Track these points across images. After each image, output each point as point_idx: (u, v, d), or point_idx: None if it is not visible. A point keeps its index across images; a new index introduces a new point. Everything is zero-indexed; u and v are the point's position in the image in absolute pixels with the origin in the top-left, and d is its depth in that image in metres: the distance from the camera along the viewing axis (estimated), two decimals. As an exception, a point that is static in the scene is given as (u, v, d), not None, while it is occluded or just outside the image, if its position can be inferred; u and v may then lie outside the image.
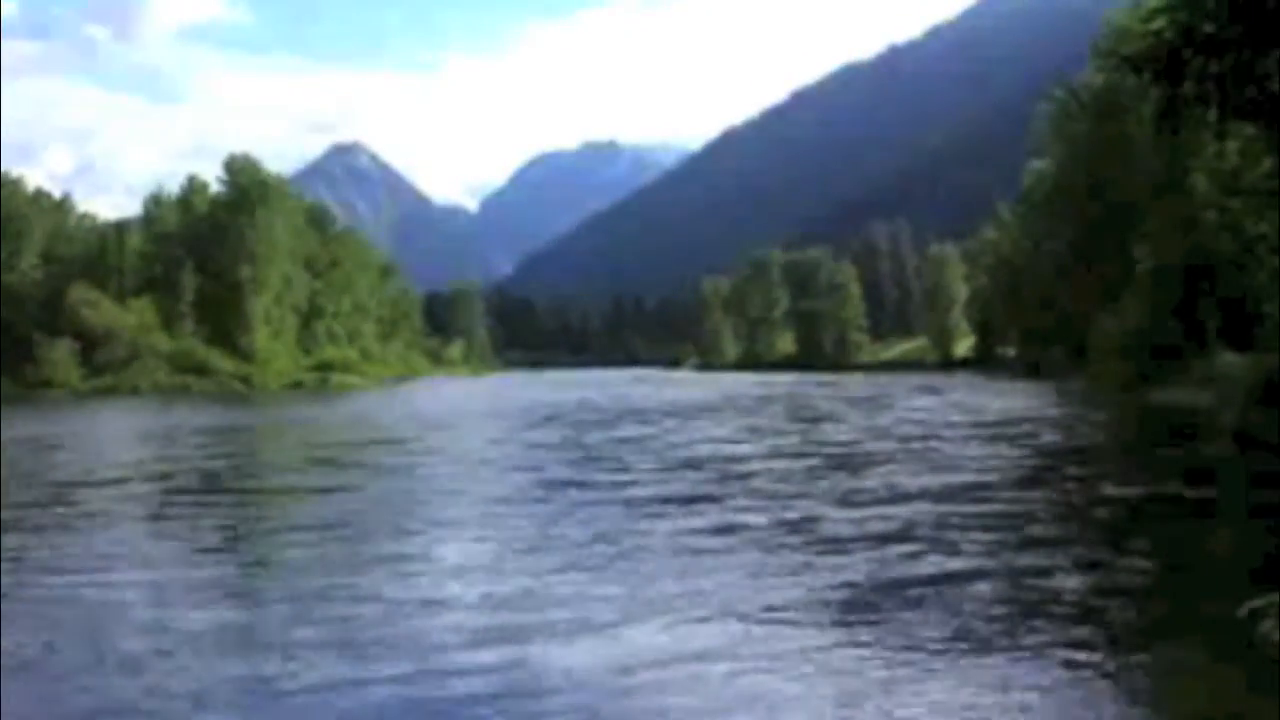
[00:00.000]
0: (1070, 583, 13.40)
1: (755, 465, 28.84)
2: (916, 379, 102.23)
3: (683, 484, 25.24)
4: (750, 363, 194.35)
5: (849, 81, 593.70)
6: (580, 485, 25.60)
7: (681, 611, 12.56)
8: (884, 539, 16.63)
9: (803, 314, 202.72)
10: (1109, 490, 21.75)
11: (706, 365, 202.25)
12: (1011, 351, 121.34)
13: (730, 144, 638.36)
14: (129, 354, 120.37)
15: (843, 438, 36.25)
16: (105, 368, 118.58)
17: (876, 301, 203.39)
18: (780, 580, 14.14)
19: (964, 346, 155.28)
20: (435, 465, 32.38)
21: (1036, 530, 17.25)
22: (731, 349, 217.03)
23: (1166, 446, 32.49)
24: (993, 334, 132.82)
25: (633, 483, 25.33)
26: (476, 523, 20.47)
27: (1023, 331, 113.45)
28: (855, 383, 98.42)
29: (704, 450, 33.47)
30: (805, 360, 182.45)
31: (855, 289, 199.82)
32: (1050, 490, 22.51)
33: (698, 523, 18.93)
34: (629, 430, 43.91)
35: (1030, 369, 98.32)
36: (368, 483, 27.84)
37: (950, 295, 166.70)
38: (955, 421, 42.82)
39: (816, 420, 46.11)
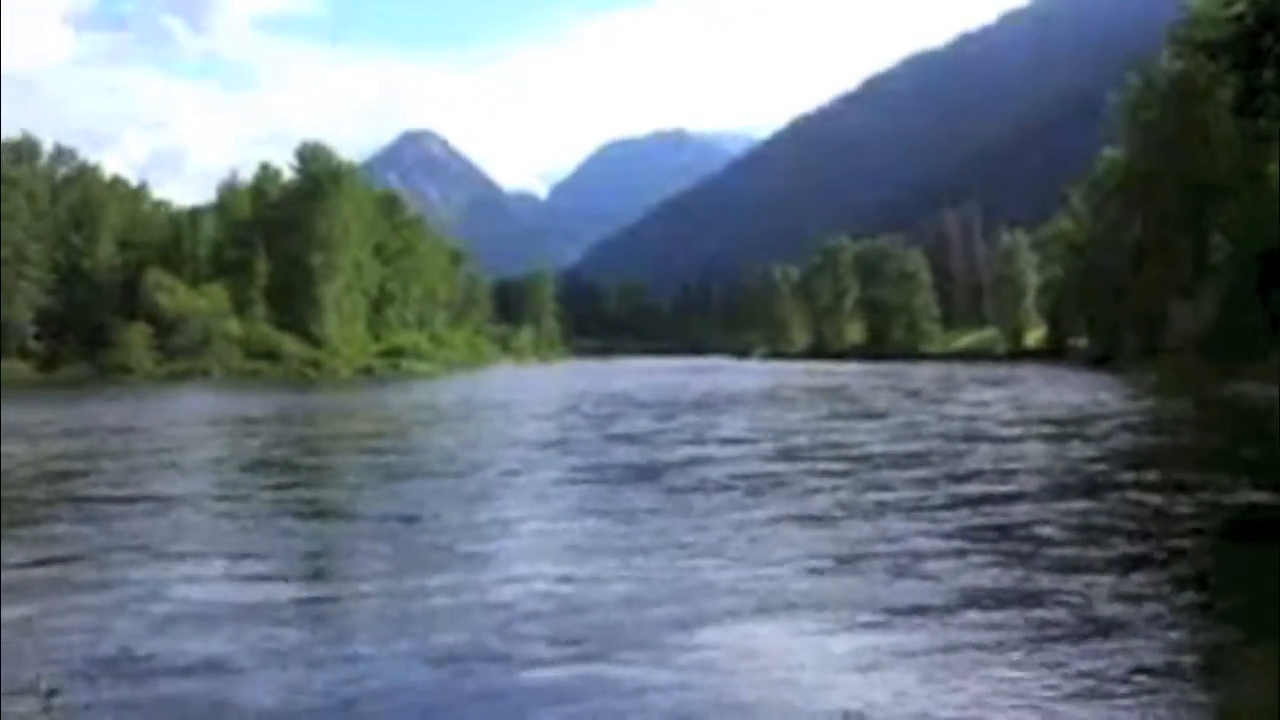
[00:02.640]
0: (1137, 604, 12.46)
1: (795, 467, 28.80)
2: (983, 370, 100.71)
3: (733, 474, 25.21)
4: (819, 352, 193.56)
5: (920, 69, 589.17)
6: (639, 476, 25.78)
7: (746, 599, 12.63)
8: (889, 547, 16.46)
9: (872, 303, 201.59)
10: (1189, 496, 20.01)
11: (775, 354, 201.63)
12: (1083, 342, 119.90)
13: (799, 132, 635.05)
14: (202, 339, 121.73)
15: (888, 434, 35.69)
16: (179, 352, 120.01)
17: (947, 291, 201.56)
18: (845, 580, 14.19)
19: (1035, 337, 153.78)
20: (513, 452, 32.65)
21: (1103, 544, 16.01)
22: (800, 338, 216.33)
23: (1247, 445, 30.63)
24: (1064, 324, 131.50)
25: (664, 469, 25.61)
26: (551, 512, 20.59)
27: (1094, 322, 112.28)
28: (920, 374, 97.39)
29: (769, 446, 33.44)
30: (874, 350, 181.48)
31: (925, 278, 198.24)
32: (1121, 497, 20.73)
33: (758, 514, 19.00)
34: (675, 420, 44.05)
35: (1102, 360, 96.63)
36: (442, 470, 28.00)
37: (1021, 285, 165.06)
38: (1015, 419, 41.49)
39: (875, 415, 45.55)
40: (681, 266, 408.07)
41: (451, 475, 26.59)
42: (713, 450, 31.11)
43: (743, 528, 17.35)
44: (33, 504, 22.30)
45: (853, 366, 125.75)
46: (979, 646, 10.72)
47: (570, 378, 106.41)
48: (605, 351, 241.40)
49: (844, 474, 24.69)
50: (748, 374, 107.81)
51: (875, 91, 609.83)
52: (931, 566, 14.38)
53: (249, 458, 32.81)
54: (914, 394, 62.29)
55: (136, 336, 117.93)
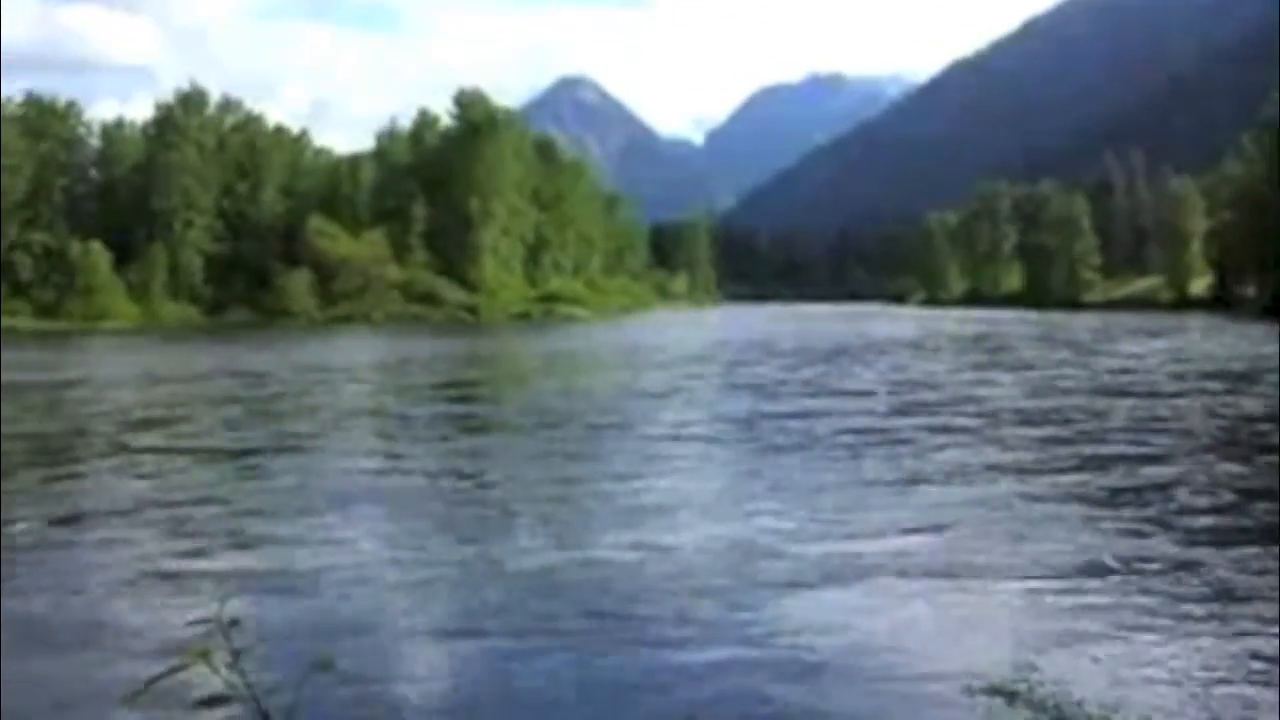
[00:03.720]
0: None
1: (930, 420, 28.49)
2: (1145, 320, 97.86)
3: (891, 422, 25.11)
4: (976, 299, 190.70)
5: (1082, 9, 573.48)
6: (760, 429, 25.79)
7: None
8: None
9: (1031, 249, 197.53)
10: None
11: (931, 301, 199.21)
12: (1251, 291, 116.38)
13: (958, 76, 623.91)
14: (362, 284, 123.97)
15: (1029, 387, 34.84)
16: (339, 297, 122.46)
17: (1109, 237, 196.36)
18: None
19: (1200, 285, 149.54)
20: (640, 403, 32.84)
21: (1253, 514, 15.27)
22: (957, 284, 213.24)
23: None
24: (1232, 272, 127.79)
25: (785, 419, 25.52)
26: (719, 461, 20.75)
27: (1265, 269, 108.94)
28: (1077, 323, 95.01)
29: (897, 399, 33.17)
30: (1033, 298, 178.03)
31: (1086, 224, 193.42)
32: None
33: (876, 472, 18.95)
34: (811, 369, 43.88)
35: (1271, 310, 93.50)
36: (606, 416, 28.36)
37: (1187, 231, 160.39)
38: (1172, 372, 39.88)
39: (1020, 367, 44.54)
40: (838, 212, 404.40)
41: (551, 426, 26.79)
42: (841, 403, 30.68)
43: (852, 487, 17.17)
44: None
45: (1008, 314, 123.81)
46: (1109, 616, 10.49)
47: (722, 324, 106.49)
48: (759, 297, 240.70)
49: (971, 430, 24.29)
50: (899, 321, 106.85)
51: (1036, 34, 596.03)
52: (1054, 531, 14.03)
53: (415, 401, 33.50)
54: (1068, 344, 60.95)
55: (299, 282, 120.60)
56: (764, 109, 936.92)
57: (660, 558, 12.82)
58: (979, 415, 27.26)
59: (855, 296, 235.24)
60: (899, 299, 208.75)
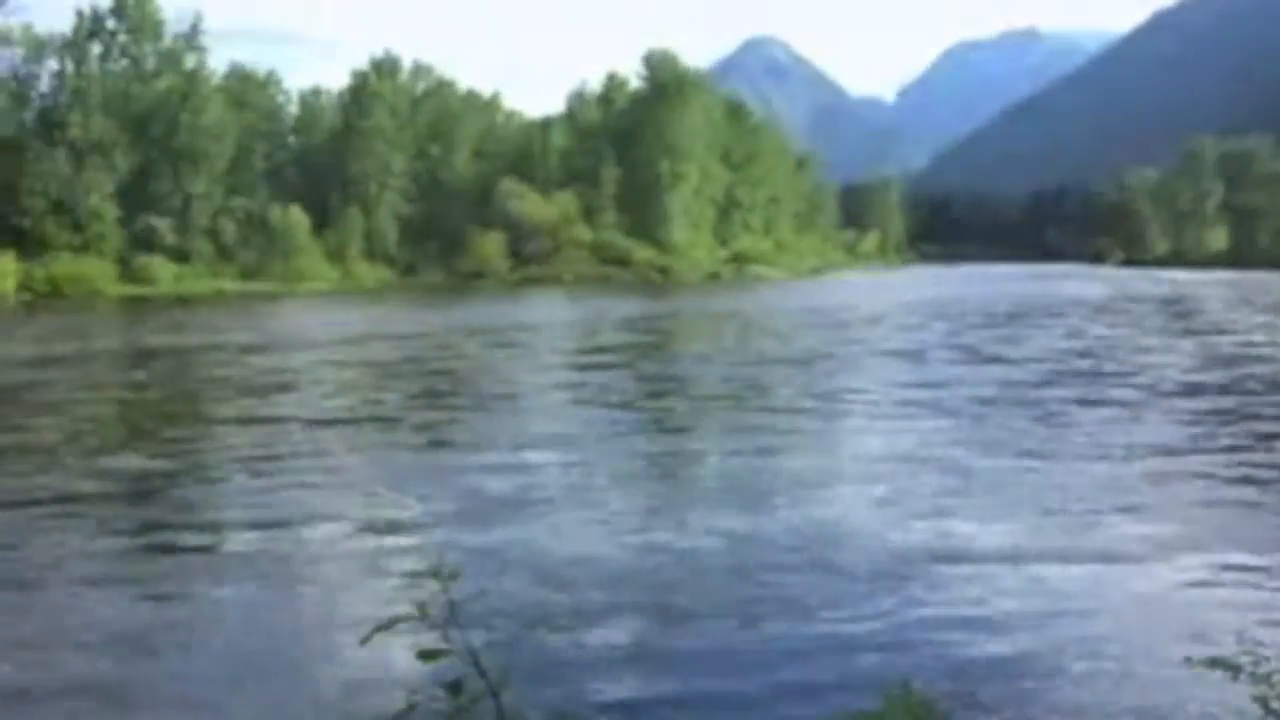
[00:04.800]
0: None
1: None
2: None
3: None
4: (1178, 259, 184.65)
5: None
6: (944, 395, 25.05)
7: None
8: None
9: (1237, 208, 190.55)
10: None
11: (1130, 261, 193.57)
12: None
13: (1160, 27, 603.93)
14: (553, 245, 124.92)
15: (1207, 356, 32.94)
16: (531, 259, 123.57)
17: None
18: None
19: None
20: (875, 353, 32.34)
21: None
22: (1158, 244, 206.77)
23: None
24: None
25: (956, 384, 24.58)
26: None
27: None
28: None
29: (1059, 366, 31.91)
30: (1238, 258, 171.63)
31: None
32: None
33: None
34: (984, 332, 42.87)
35: None
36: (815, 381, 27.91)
37: None
38: None
39: (1207, 331, 42.37)
40: (1034, 170, 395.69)
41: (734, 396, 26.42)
42: (1006, 372, 29.48)
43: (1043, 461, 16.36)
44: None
45: (1210, 275, 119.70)
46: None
47: (913, 285, 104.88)
48: (951, 257, 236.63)
49: (1136, 404, 22.88)
50: (1093, 282, 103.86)
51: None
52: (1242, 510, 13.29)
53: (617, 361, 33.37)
54: (1269, 308, 58.15)
55: (491, 244, 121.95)
56: (957, 66, 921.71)
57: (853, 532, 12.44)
58: (1148, 388, 25.54)
59: (1052, 256, 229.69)
60: (1097, 259, 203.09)
